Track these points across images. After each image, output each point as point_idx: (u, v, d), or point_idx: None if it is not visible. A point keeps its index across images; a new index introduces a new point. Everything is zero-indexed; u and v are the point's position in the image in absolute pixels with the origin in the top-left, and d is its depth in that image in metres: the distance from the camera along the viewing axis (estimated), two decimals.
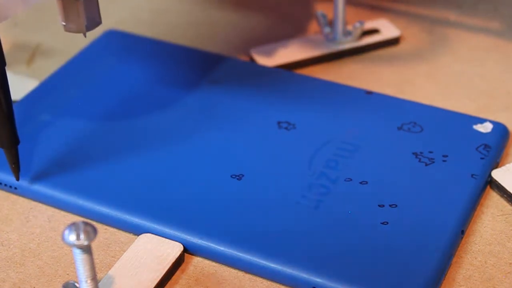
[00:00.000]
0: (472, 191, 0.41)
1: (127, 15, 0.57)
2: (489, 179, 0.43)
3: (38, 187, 0.42)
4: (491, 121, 0.45)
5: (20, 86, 0.50)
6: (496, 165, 0.44)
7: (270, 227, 0.40)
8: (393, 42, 0.53)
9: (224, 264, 0.39)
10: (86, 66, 0.51)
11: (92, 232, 0.34)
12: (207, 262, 0.40)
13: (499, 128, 0.45)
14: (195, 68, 0.50)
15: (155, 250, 0.39)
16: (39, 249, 0.41)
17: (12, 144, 0.41)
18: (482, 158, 0.43)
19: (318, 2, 0.57)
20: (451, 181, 0.42)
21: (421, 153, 0.44)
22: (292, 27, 0.55)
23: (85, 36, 0.41)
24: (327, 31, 0.52)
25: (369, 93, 0.48)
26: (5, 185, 0.43)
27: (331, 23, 0.53)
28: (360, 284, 0.37)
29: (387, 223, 0.40)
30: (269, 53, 0.52)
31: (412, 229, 0.39)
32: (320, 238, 0.39)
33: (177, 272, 0.39)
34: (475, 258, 0.39)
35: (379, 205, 0.41)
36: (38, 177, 0.43)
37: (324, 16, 0.52)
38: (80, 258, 0.35)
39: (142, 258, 0.39)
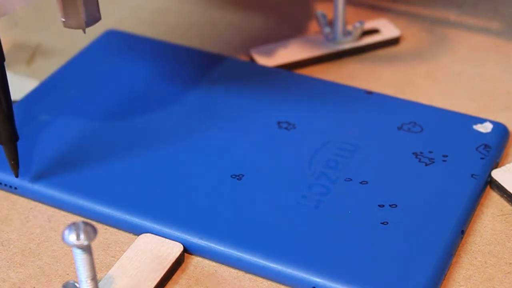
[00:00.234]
0: (472, 191, 0.41)
1: (127, 15, 0.57)
2: (489, 179, 0.43)
3: (38, 187, 0.42)
4: (491, 121, 0.45)
5: (20, 86, 0.50)
6: (496, 165, 0.44)
7: (270, 227, 0.40)
8: (393, 42, 0.53)
9: (224, 264, 0.39)
10: (86, 66, 0.51)
11: (92, 232, 0.34)
12: (207, 262, 0.40)
13: (499, 128, 0.45)
14: (195, 68, 0.50)
15: (155, 250, 0.39)
16: (39, 249, 0.41)
17: (11, 140, 0.41)
18: (482, 158, 0.43)
19: (318, 2, 0.57)
20: (451, 181, 0.42)
21: (421, 153, 0.44)
22: (292, 27, 0.55)
23: (84, 32, 0.42)
24: (327, 31, 0.52)
25: (369, 93, 0.48)
26: (5, 185, 0.43)
27: (331, 23, 0.53)
28: (360, 284, 0.37)
29: (387, 223, 0.40)
30: (269, 53, 0.52)
31: (412, 229, 0.39)
32: (320, 238, 0.39)
33: (177, 272, 0.39)
34: (475, 258, 0.39)
35: (379, 205, 0.41)
36: (38, 177, 0.43)
37: (324, 16, 0.52)
38: (80, 258, 0.35)
39: (142, 258, 0.39)
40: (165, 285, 0.39)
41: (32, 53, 0.54)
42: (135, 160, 0.44)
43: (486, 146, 0.44)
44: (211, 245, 0.39)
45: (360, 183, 0.42)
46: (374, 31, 0.53)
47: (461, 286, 0.38)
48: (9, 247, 0.41)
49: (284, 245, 0.39)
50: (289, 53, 0.52)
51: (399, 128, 0.45)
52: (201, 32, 0.55)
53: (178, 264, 0.39)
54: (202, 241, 0.39)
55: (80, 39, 0.53)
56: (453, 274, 0.39)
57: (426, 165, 0.43)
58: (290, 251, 0.38)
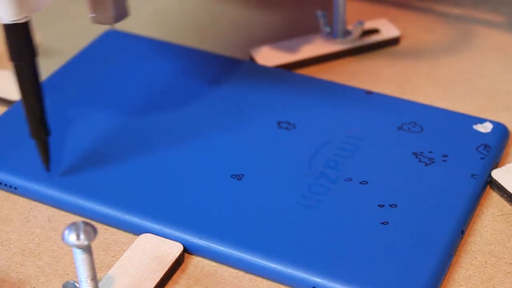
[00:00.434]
0: (472, 191, 0.41)
1: None
2: (489, 179, 0.43)
3: (38, 187, 0.42)
4: (491, 121, 0.45)
5: None
6: (496, 165, 0.44)
7: (270, 227, 0.40)
8: (393, 42, 0.53)
9: (224, 264, 0.39)
10: (86, 66, 0.51)
11: (92, 232, 0.34)
12: (207, 262, 0.40)
13: (499, 128, 0.45)
14: (195, 68, 0.50)
15: (155, 250, 0.39)
16: (39, 249, 0.41)
17: (43, 135, 0.41)
18: (482, 158, 0.43)
19: (318, 2, 0.57)
20: (451, 181, 0.42)
21: (421, 153, 0.44)
22: (292, 27, 0.55)
23: (112, 28, 0.42)
24: (327, 31, 0.52)
25: (369, 93, 0.48)
26: (5, 185, 0.43)
27: (331, 23, 0.53)
28: (360, 284, 0.37)
29: (387, 223, 0.40)
30: (269, 53, 0.52)
31: (412, 229, 0.39)
32: (320, 238, 0.39)
33: (177, 272, 0.39)
34: (475, 258, 0.39)
35: (379, 205, 0.41)
36: (38, 177, 0.43)
37: (324, 16, 0.52)
38: (80, 258, 0.35)
39: (142, 258, 0.39)
40: (165, 285, 0.39)
41: None
42: (135, 160, 0.44)
43: (486, 146, 0.44)
44: (211, 245, 0.39)
45: (360, 183, 0.42)
46: (374, 31, 0.53)
47: (461, 286, 0.38)
48: (9, 247, 0.41)
49: (284, 245, 0.39)
50: (289, 53, 0.52)
51: (399, 128, 0.45)
52: (201, 32, 0.55)
53: (178, 264, 0.39)
54: (202, 241, 0.39)
55: (80, 39, 0.54)
56: (453, 274, 0.39)
57: (426, 165, 0.43)
58: (290, 251, 0.38)
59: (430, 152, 0.44)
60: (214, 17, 0.57)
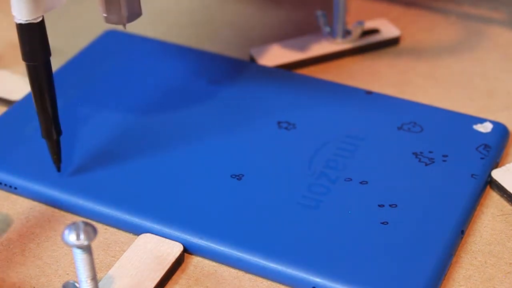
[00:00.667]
0: (472, 191, 0.41)
1: None
2: (489, 179, 0.43)
3: (38, 187, 0.42)
4: (491, 121, 0.45)
5: (20, 86, 0.49)
6: (496, 165, 0.44)
7: (270, 227, 0.40)
8: (393, 42, 0.53)
9: (224, 264, 0.39)
10: (86, 66, 0.51)
11: (92, 232, 0.34)
12: (207, 262, 0.40)
13: (499, 128, 0.45)
14: (195, 68, 0.50)
15: (155, 250, 0.39)
16: (39, 249, 0.41)
17: (55, 135, 0.41)
18: (482, 158, 0.43)
19: (318, 2, 0.57)
20: (451, 181, 0.42)
21: (421, 153, 0.44)
22: (292, 27, 0.55)
23: (124, 28, 0.42)
24: (327, 31, 0.52)
25: (369, 93, 0.48)
26: (5, 185, 0.43)
27: (331, 23, 0.53)
28: (360, 284, 0.37)
29: (387, 223, 0.40)
30: (269, 53, 0.52)
31: (412, 229, 0.39)
32: (320, 238, 0.39)
33: (177, 272, 0.39)
34: (475, 258, 0.39)
35: (379, 205, 0.41)
36: (38, 177, 0.43)
37: (324, 16, 0.52)
38: (80, 258, 0.35)
39: (142, 258, 0.39)
40: (165, 285, 0.39)
41: None
42: (134, 160, 0.44)
43: (486, 146, 0.44)
44: (211, 245, 0.39)
45: (360, 183, 0.42)
46: (374, 31, 0.53)
47: (461, 286, 0.38)
48: (9, 247, 0.41)
49: (284, 245, 0.39)
50: (289, 53, 0.52)
51: (399, 128, 0.45)
52: (201, 32, 0.55)
53: (178, 264, 0.39)
54: (202, 241, 0.39)
55: (80, 39, 0.54)
56: (453, 274, 0.39)
57: (426, 165, 0.43)
58: (290, 251, 0.38)
59: (430, 152, 0.44)
60: (214, 17, 0.57)
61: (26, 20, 0.39)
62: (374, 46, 0.53)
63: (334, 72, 0.51)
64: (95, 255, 0.39)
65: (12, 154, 0.44)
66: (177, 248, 0.39)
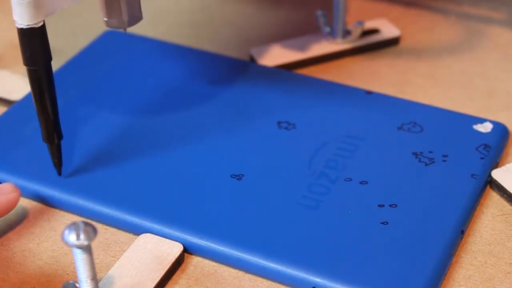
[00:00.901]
0: (472, 191, 0.41)
1: None
2: (489, 179, 0.43)
3: (39, 187, 0.42)
4: (491, 121, 0.45)
5: (20, 86, 0.49)
6: (496, 165, 0.44)
7: (270, 227, 0.40)
8: (393, 42, 0.53)
9: (224, 264, 0.39)
10: (86, 66, 0.51)
11: (92, 232, 0.34)
12: (207, 262, 0.40)
13: (499, 128, 0.45)
14: (195, 68, 0.50)
15: (155, 250, 0.39)
16: (39, 249, 0.41)
17: (57, 139, 0.42)
18: (482, 158, 0.43)
19: (318, 2, 0.57)
20: (451, 181, 0.42)
21: (421, 153, 0.44)
22: (292, 27, 0.55)
23: (125, 32, 0.42)
24: (327, 31, 0.52)
25: (369, 93, 0.48)
26: None
27: (331, 23, 0.53)
28: (360, 284, 0.37)
29: (387, 223, 0.40)
30: (269, 53, 0.52)
31: (412, 229, 0.39)
32: (320, 238, 0.39)
33: (177, 272, 0.39)
34: (475, 258, 0.39)
35: (379, 205, 0.41)
36: (38, 177, 0.43)
37: (324, 16, 0.52)
38: (80, 258, 0.35)
39: (142, 258, 0.39)
40: (165, 285, 0.39)
41: None
42: (135, 160, 0.44)
43: (486, 146, 0.44)
44: (211, 245, 0.39)
45: (360, 183, 0.42)
46: (374, 31, 0.53)
47: (461, 286, 0.38)
48: (9, 247, 0.41)
49: (284, 245, 0.39)
50: (289, 53, 0.52)
51: (399, 128, 0.45)
52: (201, 32, 0.55)
53: (178, 264, 0.39)
54: (202, 241, 0.39)
55: (80, 39, 0.54)
56: (453, 274, 0.39)
57: (426, 165, 0.43)
58: (290, 251, 0.38)
59: (430, 152, 0.44)
60: (214, 17, 0.57)
61: (27, 25, 0.39)
62: (374, 46, 0.53)
63: (334, 72, 0.51)
64: (95, 255, 0.39)
65: (12, 154, 0.44)
66: (177, 248, 0.39)
